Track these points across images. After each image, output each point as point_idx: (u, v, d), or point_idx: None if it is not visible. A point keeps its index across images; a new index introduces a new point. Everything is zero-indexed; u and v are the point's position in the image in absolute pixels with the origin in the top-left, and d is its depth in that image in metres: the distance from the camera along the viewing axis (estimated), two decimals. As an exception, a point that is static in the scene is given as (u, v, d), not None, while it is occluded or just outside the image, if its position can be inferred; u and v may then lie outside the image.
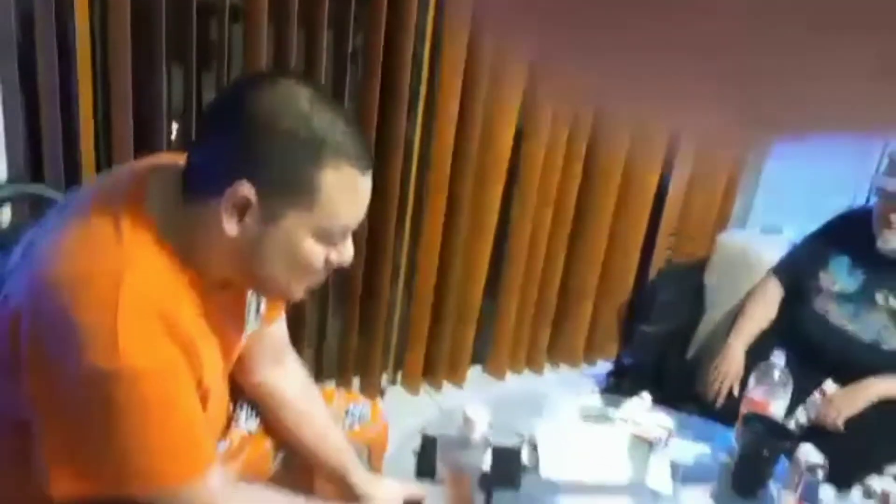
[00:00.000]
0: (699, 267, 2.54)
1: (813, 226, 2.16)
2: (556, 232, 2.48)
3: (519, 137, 2.26)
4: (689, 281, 2.52)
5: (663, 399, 1.72)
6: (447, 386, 2.50)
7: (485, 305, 2.47)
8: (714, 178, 2.62)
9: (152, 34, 1.69)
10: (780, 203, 2.54)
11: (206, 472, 0.89)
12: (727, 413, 1.74)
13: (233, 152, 0.84)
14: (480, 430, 1.33)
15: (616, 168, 2.45)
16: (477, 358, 2.59)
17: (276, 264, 0.89)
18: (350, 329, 2.27)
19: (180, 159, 0.92)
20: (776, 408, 1.53)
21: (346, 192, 0.86)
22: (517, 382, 2.60)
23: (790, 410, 1.76)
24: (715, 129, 0.20)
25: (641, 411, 1.67)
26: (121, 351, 0.77)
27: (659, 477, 1.47)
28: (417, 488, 1.26)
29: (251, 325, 1.09)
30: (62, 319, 0.78)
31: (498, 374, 2.60)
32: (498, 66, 1.99)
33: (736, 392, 1.98)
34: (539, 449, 1.44)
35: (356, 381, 2.35)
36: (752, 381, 1.56)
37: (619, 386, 2.41)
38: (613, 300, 2.71)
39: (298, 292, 0.95)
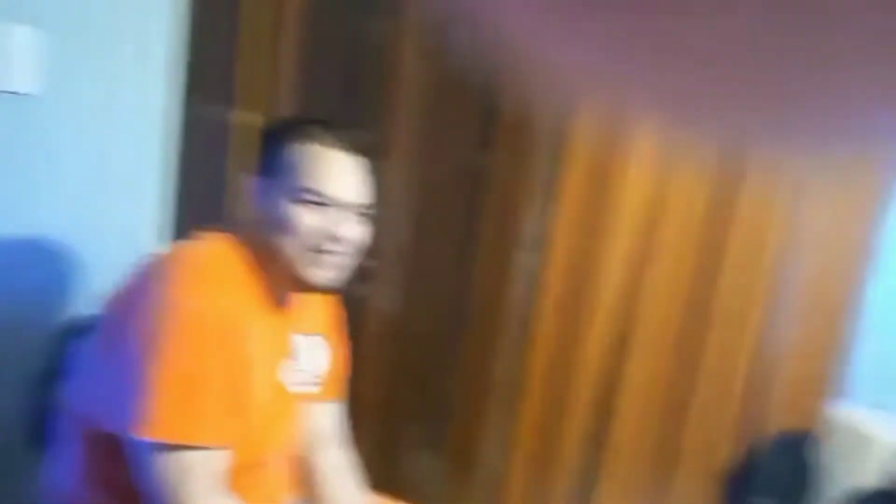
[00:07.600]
0: (804, 439, 2.40)
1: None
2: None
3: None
4: (796, 454, 2.38)
5: None
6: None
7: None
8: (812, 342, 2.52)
9: None
10: (885, 375, 2.43)
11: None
12: None
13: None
14: None
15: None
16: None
17: (277, 236, 1.02)
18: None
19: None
20: None
21: (311, 160, 1.02)
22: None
23: None
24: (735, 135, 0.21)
25: None
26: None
27: None
28: None
29: (306, 374, 1.15)
30: None
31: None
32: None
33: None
34: None
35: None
36: None
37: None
38: (709, 468, 2.55)
39: (313, 272, 1.03)
